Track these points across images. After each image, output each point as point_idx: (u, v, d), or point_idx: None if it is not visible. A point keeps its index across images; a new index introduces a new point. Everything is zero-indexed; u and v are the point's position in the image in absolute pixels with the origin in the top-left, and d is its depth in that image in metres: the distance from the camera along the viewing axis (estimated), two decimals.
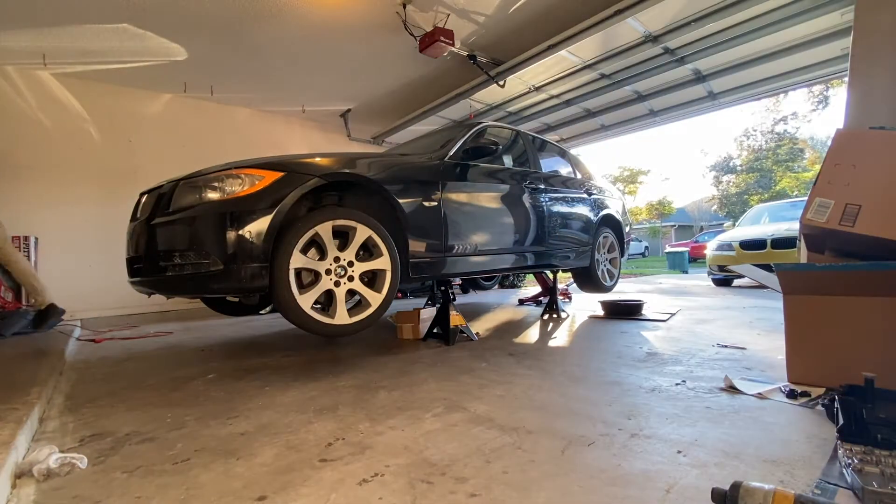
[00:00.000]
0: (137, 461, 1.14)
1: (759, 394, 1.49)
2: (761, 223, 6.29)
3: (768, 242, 5.35)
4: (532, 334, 2.87)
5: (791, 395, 1.46)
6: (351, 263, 2.09)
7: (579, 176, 4.05)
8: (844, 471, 0.93)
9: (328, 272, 2.02)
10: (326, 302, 2.07)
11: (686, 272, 10.42)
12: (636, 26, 4.04)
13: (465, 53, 4.57)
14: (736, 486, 0.78)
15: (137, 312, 4.97)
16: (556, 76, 5.16)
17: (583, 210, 3.78)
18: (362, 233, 2.10)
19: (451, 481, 0.98)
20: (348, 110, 6.43)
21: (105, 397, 1.74)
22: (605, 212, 4.06)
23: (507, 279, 7.03)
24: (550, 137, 5.76)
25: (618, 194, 4.73)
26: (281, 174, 1.93)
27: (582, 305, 4.25)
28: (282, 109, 6.22)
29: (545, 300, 3.88)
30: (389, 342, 2.71)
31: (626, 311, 3.45)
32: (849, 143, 1.71)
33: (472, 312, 4.01)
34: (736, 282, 6.16)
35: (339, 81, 5.43)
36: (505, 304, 4.70)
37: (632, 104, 5.93)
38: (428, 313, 2.81)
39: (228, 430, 1.34)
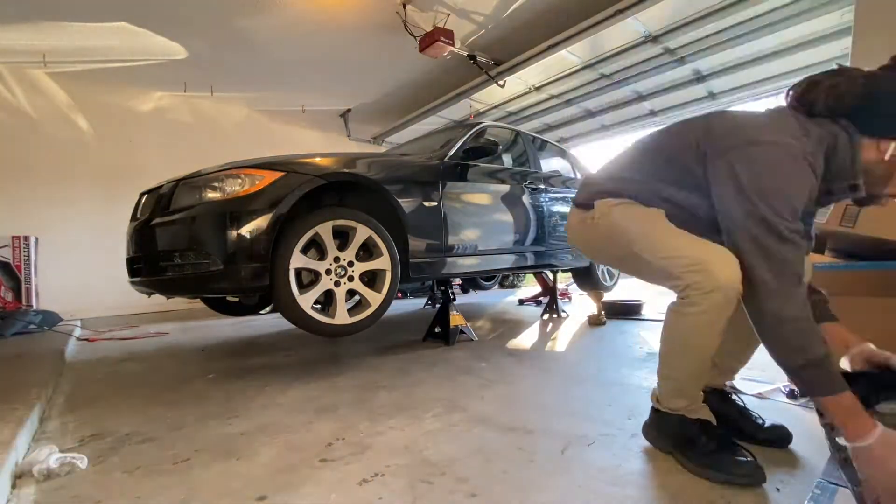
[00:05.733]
0: (137, 461, 1.14)
1: (759, 394, 1.50)
2: None
3: None
4: (532, 334, 2.87)
5: (791, 394, 1.46)
6: (351, 263, 2.08)
7: (579, 176, 4.05)
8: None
9: (328, 272, 2.02)
10: (326, 302, 2.07)
11: None
12: (636, 26, 4.04)
13: (465, 53, 4.57)
14: None
15: (137, 312, 4.97)
16: (556, 76, 5.15)
17: None
18: (362, 233, 2.10)
19: (451, 481, 0.98)
20: (348, 110, 6.43)
21: (105, 397, 1.74)
22: None
23: (507, 279, 7.02)
24: (550, 137, 5.75)
25: None
26: (281, 174, 1.93)
27: (582, 305, 4.25)
28: (282, 109, 6.21)
29: (545, 300, 3.88)
30: (389, 342, 2.71)
31: (625, 311, 3.45)
32: None
33: (472, 312, 4.01)
34: None
35: (339, 81, 5.43)
36: (505, 304, 4.70)
37: (632, 104, 5.91)
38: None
39: (228, 430, 1.34)
